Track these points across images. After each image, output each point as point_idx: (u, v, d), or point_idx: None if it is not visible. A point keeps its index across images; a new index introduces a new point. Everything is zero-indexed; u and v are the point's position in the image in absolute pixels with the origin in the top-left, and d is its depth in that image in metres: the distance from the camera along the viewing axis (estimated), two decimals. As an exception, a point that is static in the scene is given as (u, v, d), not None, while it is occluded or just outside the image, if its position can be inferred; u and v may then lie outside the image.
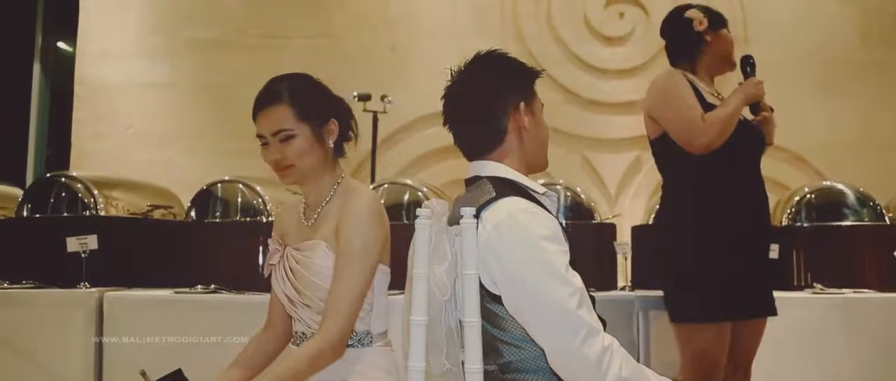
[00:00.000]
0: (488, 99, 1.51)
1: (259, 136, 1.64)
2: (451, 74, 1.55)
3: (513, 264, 1.36)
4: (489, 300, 1.41)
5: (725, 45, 2.29)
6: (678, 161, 2.20)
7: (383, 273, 1.66)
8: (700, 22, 2.25)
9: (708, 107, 2.16)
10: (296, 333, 1.69)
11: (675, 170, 2.25)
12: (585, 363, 1.32)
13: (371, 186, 3.11)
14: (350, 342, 1.62)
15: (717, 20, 2.30)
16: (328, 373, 1.60)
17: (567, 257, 1.38)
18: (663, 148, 2.24)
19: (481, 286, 1.40)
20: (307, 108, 1.63)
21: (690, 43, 2.28)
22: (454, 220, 1.44)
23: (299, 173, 1.64)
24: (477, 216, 1.41)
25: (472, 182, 1.53)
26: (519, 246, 1.36)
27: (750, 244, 2.17)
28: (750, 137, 2.23)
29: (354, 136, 1.75)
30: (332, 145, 1.66)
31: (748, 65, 2.29)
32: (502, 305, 1.40)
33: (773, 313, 2.23)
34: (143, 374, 1.48)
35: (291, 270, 1.64)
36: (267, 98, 1.64)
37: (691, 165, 2.17)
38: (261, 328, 1.78)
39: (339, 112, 1.70)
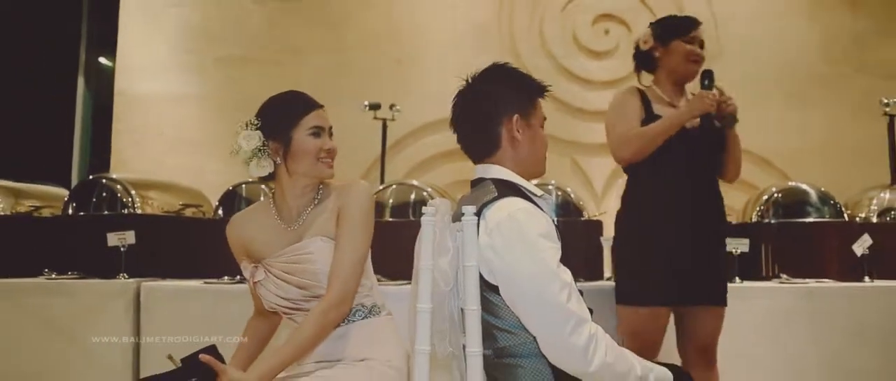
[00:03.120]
0: (485, 107, 1.51)
1: (315, 128, 1.66)
2: (467, 82, 1.54)
3: (510, 259, 1.36)
4: (487, 291, 1.40)
5: (675, 57, 2.19)
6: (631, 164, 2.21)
7: (369, 254, 1.71)
8: (644, 41, 2.25)
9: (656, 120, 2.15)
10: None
11: (629, 171, 2.25)
12: (574, 351, 1.32)
13: (380, 187, 3.11)
14: (363, 315, 1.66)
15: (668, 33, 2.21)
16: (346, 346, 1.63)
17: (559, 255, 1.38)
18: None
19: (480, 278, 1.40)
20: None
21: (644, 61, 2.28)
22: (458, 217, 1.43)
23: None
24: (479, 214, 1.41)
25: (476, 183, 1.53)
26: (516, 242, 1.36)
27: (689, 240, 2.11)
28: (698, 143, 2.16)
29: None
30: None
31: (706, 79, 2.16)
32: (499, 295, 1.39)
33: (718, 302, 2.15)
34: (170, 358, 1.47)
35: (287, 273, 1.63)
36: (317, 103, 1.71)
37: (639, 167, 2.18)
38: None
39: None
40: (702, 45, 2.22)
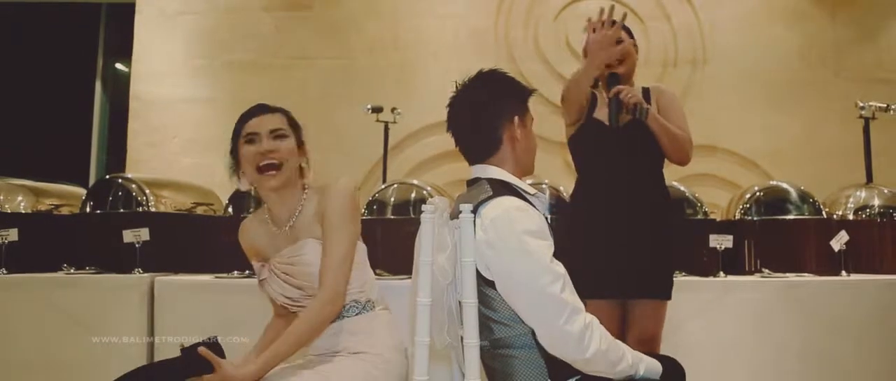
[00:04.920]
0: (487, 112, 1.50)
1: (249, 135, 1.63)
2: (457, 87, 1.54)
3: (505, 255, 1.36)
4: (483, 285, 1.40)
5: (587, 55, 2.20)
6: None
7: (363, 251, 1.68)
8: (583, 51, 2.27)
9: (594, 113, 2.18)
10: None
11: (577, 172, 2.28)
12: (570, 339, 1.32)
13: (382, 186, 3.10)
14: (356, 311, 1.64)
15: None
16: (341, 340, 1.62)
17: (552, 250, 1.38)
18: None
19: (477, 273, 1.40)
20: (295, 125, 1.69)
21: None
22: (455, 215, 1.43)
23: (283, 177, 1.63)
24: (476, 212, 1.40)
25: (472, 183, 1.52)
26: (511, 239, 1.35)
27: (624, 235, 2.06)
28: (624, 142, 2.13)
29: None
30: (304, 163, 1.69)
31: (611, 82, 2.14)
32: (495, 289, 1.39)
33: (658, 295, 2.08)
34: (183, 348, 1.47)
35: (286, 274, 1.63)
36: (264, 108, 1.68)
37: (579, 168, 2.24)
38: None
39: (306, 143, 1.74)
40: (616, 41, 2.14)
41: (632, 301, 2.10)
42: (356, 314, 1.64)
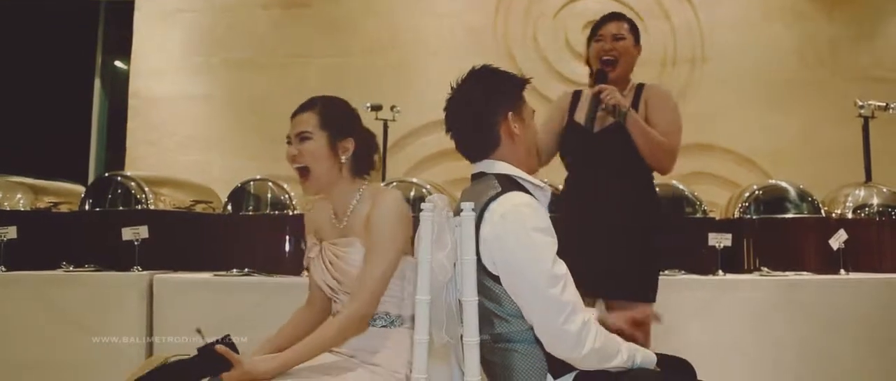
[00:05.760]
0: (480, 111, 1.50)
1: (287, 138, 1.65)
2: (452, 88, 1.54)
3: (512, 250, 1.37)
4: (488, 279, 1.41)
5: (590, 59, 2.20)
6: None
7: (410, 266, 1.62)
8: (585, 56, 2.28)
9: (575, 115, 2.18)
10: (335, 312, 1.69)
11: None
12: (567, 338, 1.34)
13: (381, 184, 3.10)
14: (383, 323, 1.62)
15: (589, 39, 2.21)
16: (361, 345, 1.61)
17: (555, 247, 1.39)
18: None
19: (483, 267, 1.40)
20: (330, 120, 1.64)
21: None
22: (458, 212, 1.43)
23: (315, 182, 1.62)
24: (486, 208, 1.40)
25: (478, 177, 1.52)
26: (519, 234, 1.36)
27: (602, 236, 2.03)
28: (600, 143, 2.10)
29: (373, 163, 1.71)
30: (344, 160, 1.64)
31: (598, 78, 2.12)
32: (500, 284, 1.40)
33: (640, 298, 2.03)
34: (199, 331, 1.47)
35: (330, 263, 1.64)
36: (301, 106, 1.66)
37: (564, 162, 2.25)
38: (291, 307, 1.79)
39: (359, 135, 1.68)
40: (616, 38, 2.13)
41: (614, 304, 2.04)
42: (382, 326, 1.62)
